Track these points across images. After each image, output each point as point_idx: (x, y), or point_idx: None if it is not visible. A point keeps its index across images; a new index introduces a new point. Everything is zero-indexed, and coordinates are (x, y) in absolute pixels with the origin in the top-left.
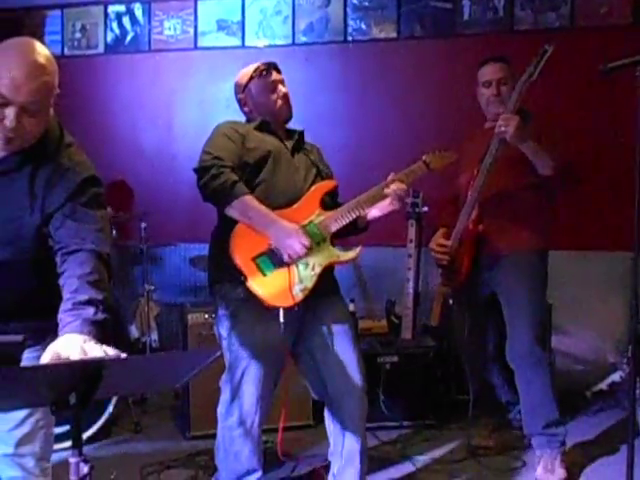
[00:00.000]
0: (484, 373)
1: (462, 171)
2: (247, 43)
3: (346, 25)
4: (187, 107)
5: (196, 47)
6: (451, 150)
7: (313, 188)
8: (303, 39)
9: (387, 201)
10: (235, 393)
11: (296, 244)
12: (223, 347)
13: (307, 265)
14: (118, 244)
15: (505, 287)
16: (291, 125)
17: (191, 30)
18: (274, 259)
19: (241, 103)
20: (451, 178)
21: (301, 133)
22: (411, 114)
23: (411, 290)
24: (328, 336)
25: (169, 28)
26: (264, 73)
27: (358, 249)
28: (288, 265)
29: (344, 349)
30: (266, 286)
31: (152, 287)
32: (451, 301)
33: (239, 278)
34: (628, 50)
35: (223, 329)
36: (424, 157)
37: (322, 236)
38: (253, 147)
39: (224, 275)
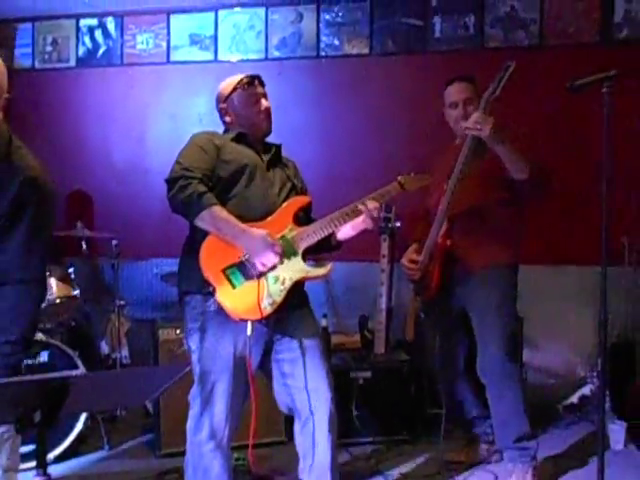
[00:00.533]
0: (454, 387)
1: (433, 187)
2: (220, 57)
3: (319, 40)
4: (159, 121)
5: (169, 61)
6: (426, 173)
7: (287, 203)
8: (276, 54)
9: (360, 218)
10: (205, 407)
11: (268, 252)
12: (193, 360)
13: (277, 279)
14: (89, 259)
15: (475, 302)
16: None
17: (164, 44)
18: (244, 271)
19: (222, 113)
20: (423, 194)
21: (278, 147)
22: (383, 129)
23: (384, 305)
24: (297, 350)
25: (142, 42)
26: (247, 85)
27: (329, 265)
28: (258, 278)
29: (313, 364)
30: (235, 299)
31: (123, 302)
32: (422, 315)
33: (209, 290)
34: (595, 68)
35: (193, 342)
36: (399, 178)
37: (293, 251)
38: (229, 159)
39: (194, 287)
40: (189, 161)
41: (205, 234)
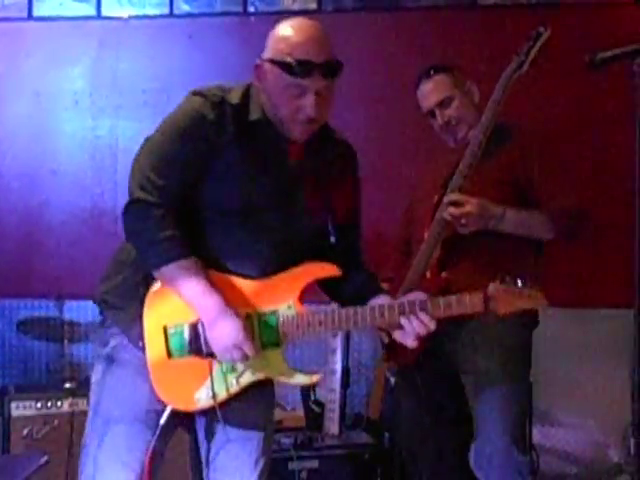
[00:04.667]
0: None
1: (417, 203)
2: (104, 12)
3: None
4: (17, 101)
5: (31, 16)
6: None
7: (304, 268)
8: (185, 8)
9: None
10: (96, 465)
11: (235, 351)
12: (90, 396)
13: (233, 369)
14: None
15: (473, 366)
16: None
17: None
18: (191, 341)
19: (256, 69)
20: (400, 214)
21: (333, 142)
22: (336, 113)
23: (338, 365)
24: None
25: None
26: (300, 73)
27: (315, 377)
28: (206, 357)
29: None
30: (164, 372)
31: None
32: (393, 380)
33: (137, 344)
34: (625, 36)
35: (95, 372)
36: (490, 289)
37: (276, 339)
38: (232, 177)
39: (115, 308)
40: (165, 172)
41: None
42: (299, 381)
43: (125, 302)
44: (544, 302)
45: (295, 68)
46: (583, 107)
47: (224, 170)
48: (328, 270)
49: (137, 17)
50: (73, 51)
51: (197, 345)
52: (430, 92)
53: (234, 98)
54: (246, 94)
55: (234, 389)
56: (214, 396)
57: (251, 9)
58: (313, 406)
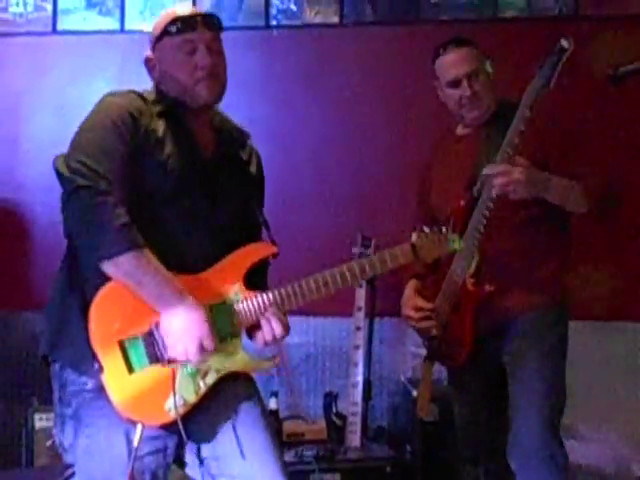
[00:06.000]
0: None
1: (440, 198)
2: (128, 26)
3: (268, 5)
4: (39, 115)
5: (55, 31)
6: (448, 224)
7: (242, 250)
8: None
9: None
10: None
11: (191, 343)
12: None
13: (197, 371)
14: None
15: (515, 360)
16: None
17: (49, 7)
18: (151, 349)
19: (148, 65)
20: (421, 206)
21: (242, 137)
22: (357, 126)
23: (360, 378)
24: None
25: (17, 3)
26: (182, 29)
27: (277, 359)
28: (168, 364)
29: (257, 450)
30: (127, 388)
31: None
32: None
33: (93, 368)
34: None
35: (65, 435)
36: (413, 239)
37: (232, 329)
38: (160, 159)
39: (67, 357)
40: (101, 159)
41: (103, 276)
42: (264, 367)
43: (72, 336)
44: (458, 245)
45: (178, 25)
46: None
47: (151, 159)
48: (267, 249)
49: None
50: (97, 65)
51: (156, 353)
52: (460, 61)
53: (147, 94)
54: (156, 90)
55: (202, 390)
56: (184, 404)
57: (273, 23)
58: (335, 419)
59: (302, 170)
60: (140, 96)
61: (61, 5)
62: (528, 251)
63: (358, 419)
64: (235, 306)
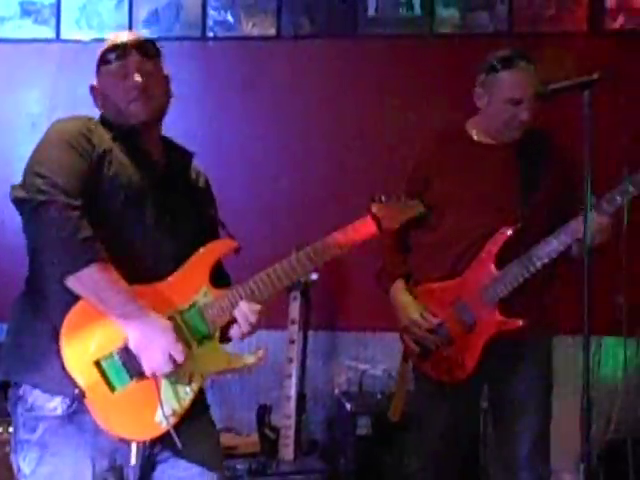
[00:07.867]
0: None
1: (451, 205)
2: (64, 35)
3: (205, 16)
4: None
5: None
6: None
7: (203, 250)
8: (144, 32)
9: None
10: None
11: (160, 356)
12: None
13: (180, 379)
14: None
15: (516, 388)
16: None
17: None
18: (130, 365)
19: (93, 93)
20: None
21: (187, 155)
22: (292, 138)
23: (293, 391)
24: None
25: None
26: (117, 58)
27: (261, 352)
28: (151, 375)
29: None
30: (113, 409)
31: None
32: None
33: (73, 393)
34: (582, 65)
35: (25, 462)
36: (373, 209)
37: (207, 331)
38: (112, 174)
39: (32, 372)
40: (59, 173)
41: (68, 294)
42: (248, 362)
43: (43, 362)
44: (421, 208)
45: (111, 53)
46: None
47: (107, 174)
48: (227, 245)
49: (96, 40)
50: (32, 74)
51: (135, 367)
52: (527, 81)
53: (95, 121)
54: (101, 117)
55: (190, 396)
56: (174, 413)
57: (210, 34)
58: (268, 432)
59: (238, 181)
60: (89, 120)
61: None
62: (540, 283)
63: (291, 432)
64: (206, 307)
